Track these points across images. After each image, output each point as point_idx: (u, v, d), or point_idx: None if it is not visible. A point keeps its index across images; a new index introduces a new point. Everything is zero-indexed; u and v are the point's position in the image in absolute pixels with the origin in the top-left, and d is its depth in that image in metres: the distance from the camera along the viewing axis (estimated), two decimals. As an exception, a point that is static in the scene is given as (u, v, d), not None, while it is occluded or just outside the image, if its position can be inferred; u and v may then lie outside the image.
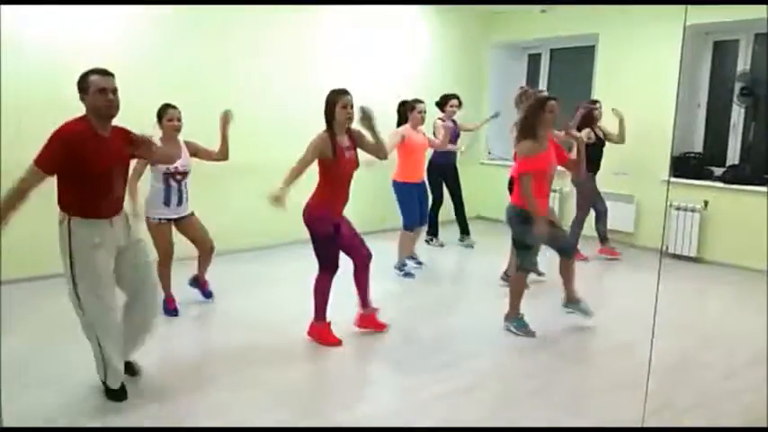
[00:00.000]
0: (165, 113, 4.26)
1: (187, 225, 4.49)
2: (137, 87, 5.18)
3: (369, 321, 4.24)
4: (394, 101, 5.84)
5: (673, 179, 6.66)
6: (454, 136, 6.58)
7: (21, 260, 4.83)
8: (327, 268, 3.97)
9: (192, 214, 4.51)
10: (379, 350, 4.06)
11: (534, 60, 8.69)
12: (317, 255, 3.96)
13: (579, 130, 6.01)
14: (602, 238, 6.57)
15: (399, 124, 5.61)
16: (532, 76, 8.69)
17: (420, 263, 5.94)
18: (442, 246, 6.88)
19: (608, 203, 7.08)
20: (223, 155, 4.47)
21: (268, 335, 4.16)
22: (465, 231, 6.97)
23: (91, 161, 2.85)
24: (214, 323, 4.52)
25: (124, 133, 3.08)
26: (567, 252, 4.43)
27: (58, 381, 3.36)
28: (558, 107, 4.11)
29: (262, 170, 6.13)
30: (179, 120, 4.28)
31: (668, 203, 6.61)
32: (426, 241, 6.88)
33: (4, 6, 4.76)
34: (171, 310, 4.46)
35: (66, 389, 3.28)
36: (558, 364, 3.84)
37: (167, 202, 4.31)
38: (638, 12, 6.94)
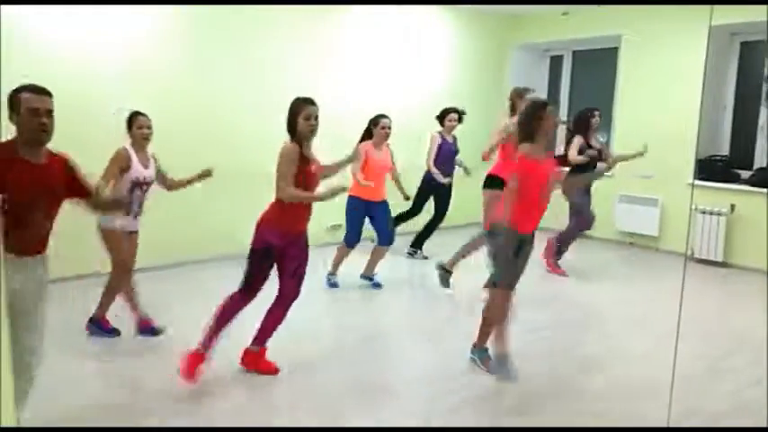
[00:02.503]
0: (135, 121, 3.98)
1: (129, 241, 4.08)
2: (128, 89, 5.22)
3: (257, 361, 3.62)
4: (415, 105, 5.81)
5: (698, 182, 6.56)
6: (452, 153, 6.22)
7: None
8: (247, 288, 3.45)
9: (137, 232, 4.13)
10: (350, 367, 3.81)
11: (556, 63, 8.63)
12: (246, 269, 3.47)
13: (571, 137, 5.80)
14: (562, 250, 6.11)
15: (363, 140, 5.19)
16: (554, 79, 8.63)
17: (378, 284, 5.40)
18: (425, 258, 6.44)
19: (632, 206, 7.01)
20: (170, 187, 4.22)
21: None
22: (420, 246, 6.62)
23: (8, 187, 2.46)
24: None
25: (63, 165, 2.72)
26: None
27: (55, 384, 3.35)
28: (555, 113, 3.68)
29: (249, 176, 5.97)
30: (149, 128, 4.00)
31: (693, 207, 6.51)
32: (409, 254, 6.51)
33: (3, 6, 4.67)
34: (108, 329, 4.12)
35: (63, 393, 3.30)
36: (580, 370, 3.80)
37: (129, 212, 3.98)
38: (661, 13, 6.86)
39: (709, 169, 6.62)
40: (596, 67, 8.13)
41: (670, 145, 6.48)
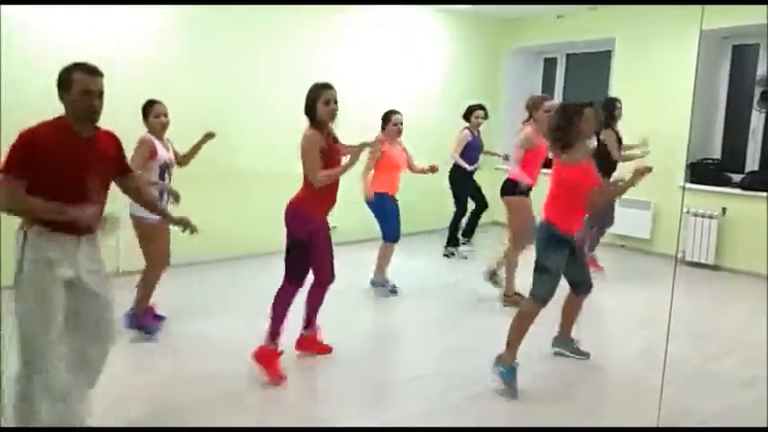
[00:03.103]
0: (152, 110, 4.01)
1: (164, 231, 4.06)
2: (134, 88, 5.16)
3: (311, 343, 3.89)
4: (410, 106, 5.82)
5: (690, 185, 6.59)
6: (478, 147, 6.53)
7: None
8: (294, 279, 3.55)
9: None
10: (352, 366, 3.85)
11: (550, 65, 8.66)
12: (287, 263, 3.55)
13: (600, 131, 5.81)
14: (591, 248, 6.19)
15: None
16: (548, 82, 8.66)
17: (394, 290, 5.31)
18: (465, 258, 6.66)
19: (624, 209, 7.02)
20: (185, 161, 4.36)
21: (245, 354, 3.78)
22: (467, 236, 6.99)
23: (64, 163, 2.47)
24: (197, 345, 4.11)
25: (113, 139, 2.72)
26: (584, 287, 3.82)
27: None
28: (594, 116, 3.62)
29: (265, 175, 6.23)
30: (166, 115, 4.03)
31: (685, 210, 6.54)
32: (446, 255, 6.71)
33: (3, 6, 4.72)
34: (150, 325, 4.14)
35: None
36: (572, 372, 3.81)
37: (161, 198, 4.02)
38: (654, 16, 6.89)
39: (701, 172, 6.65)
40: (590, 69, 8.16)
41: (662, 147, 6.49)
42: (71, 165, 2.48)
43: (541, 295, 3.53)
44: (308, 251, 3.55)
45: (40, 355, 2.48)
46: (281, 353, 3.55)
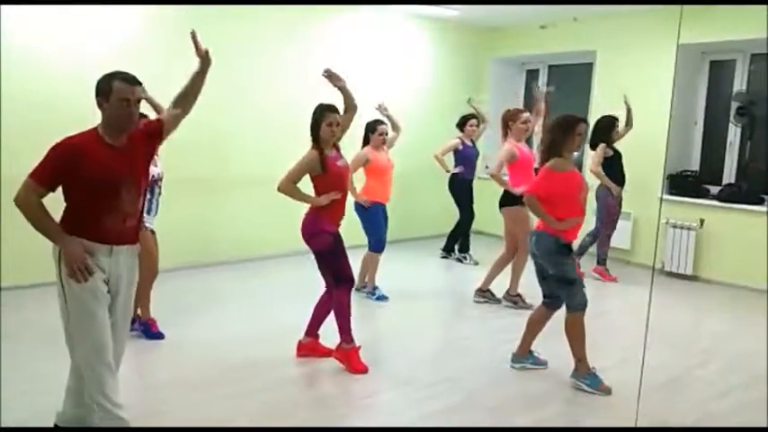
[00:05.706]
0: (139, 123, 3.99)
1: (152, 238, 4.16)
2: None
3: (314, 347, 4.00)
4: (394, 113, 5.83)
5: (669, 197, 6.68)
6: (473, 156, 6.70)
7: (23, 266, 4.81)
8: (342, 282, 3.80)
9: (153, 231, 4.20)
10: (372, 367, 3.91)
11: (532, 76, 8.74)
12: (326, 272, 3.82)
13: (595, 145, 6.10)
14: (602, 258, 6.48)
15: (364, 146, 5.33)
16: (531, 93, 8.72)
17: (384, 297, 5.41)
18: (476, 264, 6.70)
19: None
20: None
21: (253, 352, 3.98)
22: (466, 249, 7.02)
23: (97, 175, 2.49)
24: (205, 343, 4.23)
25: (140, 133, 2.71)
26: (559, 302, 3.82)
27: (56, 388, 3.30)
28: (586, 129, 3.74)
29: (258, 181, 6.25)
30: None
31: (664, 221, 6.62)
32: (458, 260, 6.94)
33: (3, 6, 4.72)
34: (154, 332, 4.19)
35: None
36: (551, 381, 3.82)
37: (149, 210, 4.07)
38: (634, 30, 7.00)
39: (680, 184, 6.74)
40: (571, 81, 8.24)
41: (643, 159, 6.58)
42: (104, 176, 2.51)
43: (582, 303, 3.66)
44: (335, 255, 3.78)
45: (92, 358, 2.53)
46: (359, 347, 3.81)
